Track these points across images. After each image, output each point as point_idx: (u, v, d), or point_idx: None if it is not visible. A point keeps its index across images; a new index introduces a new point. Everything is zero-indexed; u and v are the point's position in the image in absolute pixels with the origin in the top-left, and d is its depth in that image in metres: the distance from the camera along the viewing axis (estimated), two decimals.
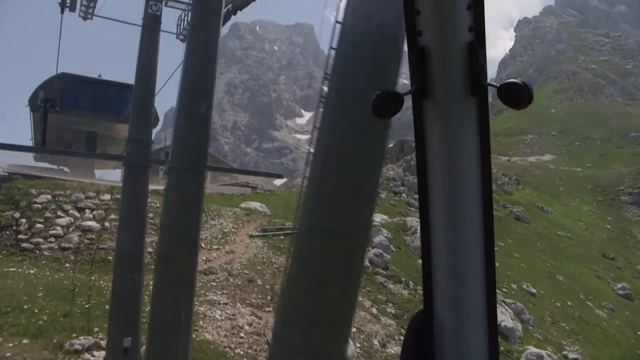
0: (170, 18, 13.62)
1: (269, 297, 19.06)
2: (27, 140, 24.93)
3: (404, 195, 51.22)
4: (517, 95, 1.54)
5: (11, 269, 15.97)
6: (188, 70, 8.99)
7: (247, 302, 18.19)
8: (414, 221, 36.54)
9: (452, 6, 1.56)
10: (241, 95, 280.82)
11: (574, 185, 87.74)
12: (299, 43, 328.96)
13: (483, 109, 1.69)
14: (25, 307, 13.55)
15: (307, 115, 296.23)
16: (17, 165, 22.92)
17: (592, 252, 58.36)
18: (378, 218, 36.19)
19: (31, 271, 16.21)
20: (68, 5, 13.14)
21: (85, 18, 13.65)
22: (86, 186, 21.35)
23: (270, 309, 18.31)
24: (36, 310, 13.56)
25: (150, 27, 12.12)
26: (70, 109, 22.88)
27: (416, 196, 26.82)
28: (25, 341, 11.75)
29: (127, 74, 11.98)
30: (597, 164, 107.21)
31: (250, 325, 16.64)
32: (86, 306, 14.22)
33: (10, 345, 11.44)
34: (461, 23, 1.58)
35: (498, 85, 1.57)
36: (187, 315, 9.18)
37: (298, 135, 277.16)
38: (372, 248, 28.43)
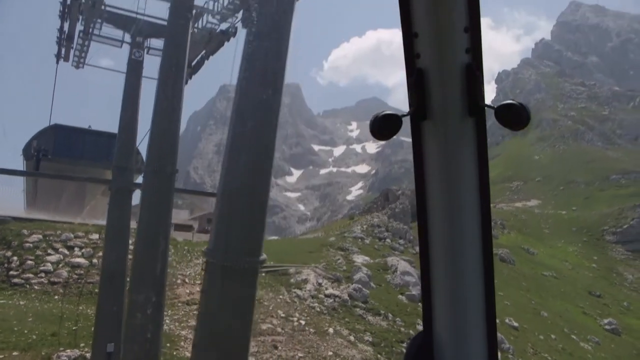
0: (154, 65, 15.71)
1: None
2: (20, 190, 26.76)
3: (388, 240, 52.58)
4: (514, 116, 1.58)
5: (1, 301, 17.18)
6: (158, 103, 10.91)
7: None
8: (394, 260, 37.90)
9: (450, 28, 1.59)
10: None
11: (559, 228, 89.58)
12: (286, 103, 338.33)
13: (481, 130, 1.71)
14: (15, 329, 14.78)
15: (297, 174, 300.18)
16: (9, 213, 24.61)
17: (578, 290, 59.37)
18: (360, 259, 37.60)
19: (21, 302, 17.44)
20: (63, 56, 15.25)
21: (77, 67, 15.75)
22: (76, 227, 22.87)
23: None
24: (26, 331, 14.78)
25: (133, 71, 14.21)
26: (62, 158, 24.81)
27: (400, 240, 29.62)
28: (15, 353, 12.96)
29: (116, 119, 13.82)
30: (582, 206, 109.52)
31: None
32: (73, 328, 15.44)
33: (1, 357, 12.64)
34: (458, 45, 1.61)
35: (496, 106, 1.61)
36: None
37: (288, 194, 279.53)
38: (352, 284, 29.72)
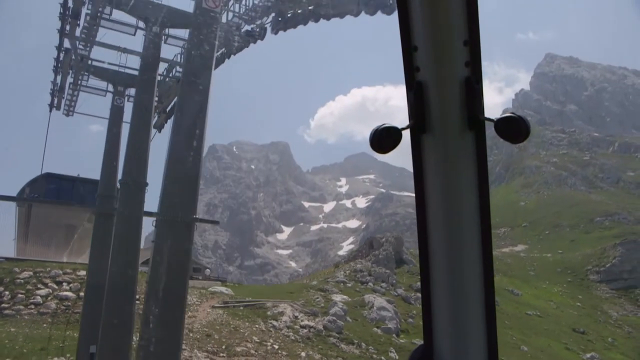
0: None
1: (223, 347, 22.07)
2: (10, 238, 28.99)
3: (370, 284, 54.23)
4: (514, 129, 1.61)
5: None
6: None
7: (204, 349, 21.24)
8: (371, 297, 39.69)
9: (449, 42, 1.62)
10: (221, 215, 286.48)
11: (544, 270, 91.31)
12: (276, 160, 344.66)
13: (481, 142, 1.73)
14: (8, 345, 16.63)
15: (288, 230, 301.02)
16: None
17: (562, 328, 60.47)
18: (339, 298, 39.32)
19: (12, 329, 19.29)
20: (55, 105, 18.01)
21: (67, 114, 18.49)
22: (64, 265, 24.88)
23: (224, 355, 21.26)
24: (17, 347, 16.66)
25: (116, 115, 16.97)
26: (52, 203, 27.07)
27: (383, 284, 33.07)
28: None
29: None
30: (567, 249, 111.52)
31: None
32: (60, 345, 17.32)
33: None
34: (458, 58, 1.64)
35: (495, 119, 1.64)
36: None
37: (280, 251, 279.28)
38: (327, 316, 31.45)
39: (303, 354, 24.51)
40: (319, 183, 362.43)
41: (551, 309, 70.81)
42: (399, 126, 1.71)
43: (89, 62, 16.53)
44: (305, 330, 28.39)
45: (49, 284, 22.92)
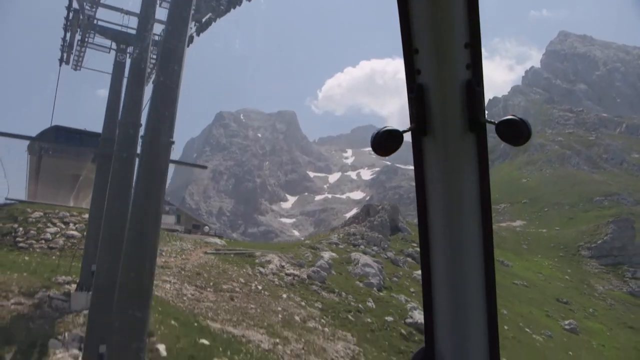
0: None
1: (211, 284, 24.84)
2: (22, 183, 31.89)
3: (362, 246, 56.85)
4: (515, 131, 1.62)
5: (10, 257, 21.78)
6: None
7: (193, 284, 23.99)
8: (357, 255, 42.33)
9: (450, 44, 1.63)
10: (226, 182, 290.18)
11: (537, 244, 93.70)
12: (282, 130, 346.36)
13: (482, 145, 1.74)
14: (23, 265, 19.34)
15: (292, 200, 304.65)
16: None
17: (546, 298, 62.90)
18: (327, 255, 41.93)
19: (26, 258, 22.05)
20: (65, 60, 20.27)
21: (75, 69, 20.77)
22: (71, 208, 27.60)
23: (211, 290, 24.03)
24: (30, 268, 19.38)
25: (117, 71, 19.22)
26: (61, 154, 29.67)
27: (374, 247, 35.93)
28: (24, 274, 17.54)
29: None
30: (565, 226, 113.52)
31: (192, 294, 22.41)
32: (67, 271, 20.06)
33: (15, 275, 17.22)
34: (459, 61, 1.65)
35: (496, 122, 1.65)
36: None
37: (284, 219, 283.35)
38: (312, 267, 34.13)
39: (284, 295, 27.24)
40: (324, 154, 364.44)
41: (539, 280, 73.02)
42: (400, 129, 1.72)
43: (95, 21, 18.72)
44: (289, 278, 31.08)
45: (57, 224, 25.57)
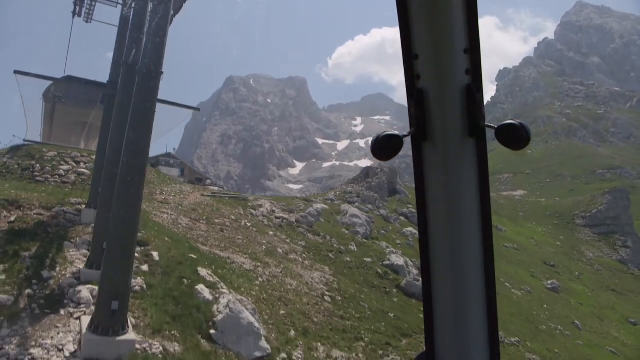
0: None
1: (205, 217, 28.16)
2: (38, 127, 35.32)
3: (356, 204, 59.94)
4: (514, 136, 1.65)
5: (30, 186, 25.13)
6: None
7: (188, 217, 27.32)
8: (347, 206, 45.47)
9: (450, 50, 1.66)
10: (235, 146, 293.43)
11: (533, 212, 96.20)
12: (292, 96, 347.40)
13: (482, 149, 1.77)
14: (42, 190, 22.68)
15: (300, 166, 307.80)
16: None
17: (534, 260, 65.52)
18: (319, 205, 45.00)
19: (42, 188, 25.37)
20: (77, 13, 23.09)
21: (86, 21, 23.59)
22: (82, 150, 30.87)
23: (204, 222, 27.36)
24: (44, 195, 22.71)
25: (124, 24, 22.01)
26: (72, 102, 32.76)
27: (369, 205, 39.55)
28: (44, 194, 20.87)
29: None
30: (565, 197, 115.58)
31: (186, 224, 25.77)
32: (80, 195, 23.40)
33: (36, 194, 20.53)
34: (458, 66, 1.68)
35: (496, 126, 1.67)
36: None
37: (291, 185, 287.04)
38: (301, 213, 37.32)
39: (271, 232, 30.54)
40: (334, 121, 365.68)
41: (530, 245, 75.41)
42: (400, 134, 1.71)
43: None
44: (278, 220, 34.33)
45: (70, 162, 28.76)
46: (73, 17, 23.40)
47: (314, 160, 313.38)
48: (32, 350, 12.05)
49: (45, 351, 12.22)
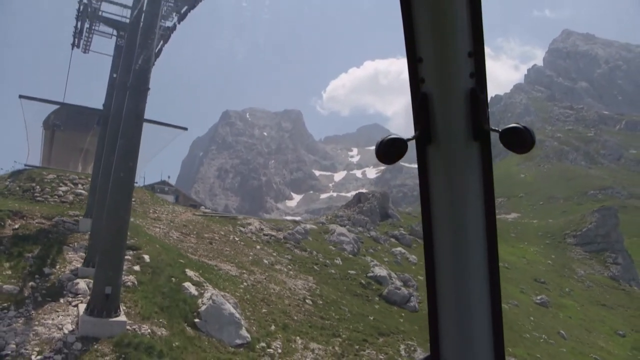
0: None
1: (194, 232, 30.13)
2: (38, 152, 37.97)
3: (347, 226, 61.77)
4: (519, 139, 1.65)
5: (31, 205, 27.16)
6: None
7: (179, 231, 29.31)
8: (334, 226, 47.35)
9: (454, 53, 1.67)
10: (232, 180, 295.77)
11: (526, 233, 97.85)
12: (288, 128, 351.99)
13: (486, 153, 1.78)
14: (37, 208, 24.79)
15: (297, 198, 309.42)
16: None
17: (525, 278, 66.56)
18: (308, 226, 46.80)
19: (44, 208, 27.41)
20: (76, 44, 25.63)
21: (84, 52, 26.10)
22: (79, 173, 33.07)
23: (194, 236, 29.32)
24: (45, 209, 24.76)
25: (117, 52, 24.50)
26: (70, 129, 35.17)
27: (359, 228, 41.66)
28: (45, 207, 22.97)
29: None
30: (557, 218, 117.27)
31: (177, 237, 27.74)
32: (80, 207, 25.47)
33: (37, 207, 22.59)
34: (462, 70, 1.69)
35: (500, 130, 1.67)
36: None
37: (288, 217, 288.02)
38: (289, 231, 39.16)
39: (258, 247, 32.44)
40: (330, 152, 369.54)
41: (521, 264, 76.43)
42: (405, 137, 1.72)
43: (100, 12, 24.07)
44: (266, 237, 36.20)
45: (68, 184, 30.81)
46: (72, 49, 25.97)
47: (311, 191, 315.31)
48: (35, 328, 13.95)
49: (47, 329, 14.10)
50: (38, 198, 28.88)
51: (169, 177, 63.16)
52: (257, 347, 18.56)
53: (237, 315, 18.87)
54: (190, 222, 32.77)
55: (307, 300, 25.63)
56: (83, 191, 30.66)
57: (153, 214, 32.24)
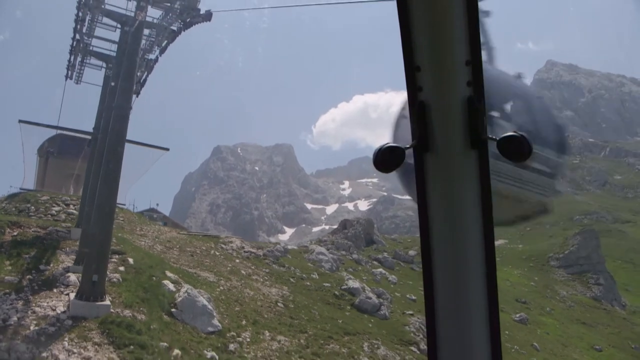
0: None
1: (178, 246, 32.95)
2: (32, 176, 41.16)
3: (331, 250, 64.17)
4: (516, 148, 1.67)
5: None
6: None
7: (163, 245, 32.13)
8: (314, 246, 50.01)
9: (451, 62, 1.69)
10: (224, 215, 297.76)
11: (510, 257, 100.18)
12: (279, 162, 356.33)
13: (483, 161, 1.80)
14: (33, 220, 27.66)
15: (290, 231, 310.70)
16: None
17: (507, 298, 68.13)
18: (289, 246, 49.46)
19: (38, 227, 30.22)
20: (69, 76, 29.03)
21: (76, 83, 29.50)
22: (71, 195, 36.11)
23: (177, 250, 32.15)
24: (40, 221, 27.59)
25: (106, 83, 27.85)
26: (64, 156, 38.30)
27: (342, 251, 44.50)
28: (40, 221, 25.82)
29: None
30: (543, 243, 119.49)
31: (160, 249, 30.58)
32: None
33: (33, 219, 25.50)
34: (460, 78, 1.71)
35: (497, 138, 1.69)
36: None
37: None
38: (269, 249, 41.87)
39: (237, 261, 35.20)
40: (322, 186, 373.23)
41: (504, 286, 78.01)
42: (402, 146, 1.74)
43: (91, 48, 27.57)
44: (246, 253, 38.89)
45: (60, 204, 33.62)
46: (65, 80, 29.37)
47: (304, 225, 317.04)
48: (33, 308, 16.75)
49: (42, 309, 16.91)
50: (33, 217, 31.69)
51: (157, 204, 65.84)
52: (228, 335, 21.24)
53: (210, 307, 21.62)
54: (174, 239, 35.59)
55: (279, 304, 28.28)
56: (74, 211, 33.53)
57: (140, 232, 34.99)
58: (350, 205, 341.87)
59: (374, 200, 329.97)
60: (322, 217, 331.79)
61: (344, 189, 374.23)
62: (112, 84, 23.83)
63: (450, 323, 1.98)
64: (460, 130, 1.79)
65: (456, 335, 1.99)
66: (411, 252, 70.01)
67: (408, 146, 1.79)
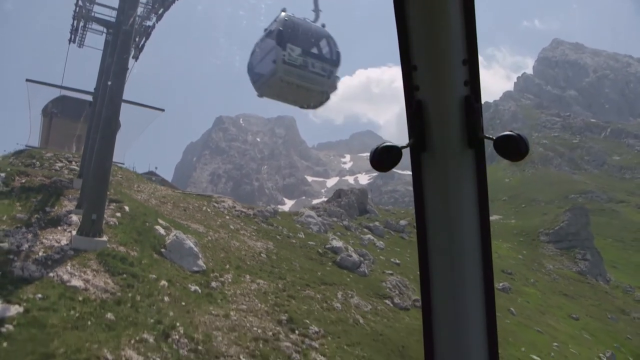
0: None
1: (172, 202, 35.81)
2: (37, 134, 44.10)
3: (324, 217, 66.97)
4: (513, 147, 1.72)
5: None
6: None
7: (158, 200, 34.96)
8: (305, 210, 52.86)
9: (448, 61, 1.71)
10: (224, 185, 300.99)
11: (502, 232, 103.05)
12: (281, 134, 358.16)
13: (480, 160, 1.86)
14: (39, 171, 30.50)
15: (290, 203, 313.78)
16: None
17: (493, 270, 72.10)
18: (280, 209, 52.32)
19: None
20: (72, 40, 31.38)
21: (79, 46, 31.85)
22: (73, 153, 38.95)
23: (170, 204, 34.98)
24: (45, 172, 30.40)
25: (107, 48, 30.18)
26: (67, 118, 40.91)
27: (334, 218, 47.03)
28: (45, 171, 28.69)
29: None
30: (535, 219, 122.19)
31: (155, 203, 33.40)
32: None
33: (39, 171, 28.39)
34: (457, 77, 1.74)
35: (494, 137, 1.73)
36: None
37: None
38: (259, 209, 44.72)
39: (227, 217, 38.07)
40: (323, 159, 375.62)
41: (492, 257, 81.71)
42: (399, 145, 1.76)
43: (93, 13, 29.92)
44: (237, 212, 41.75)
45: (64, 161, 36.37)
46: (69, 44, 31.74)
47: (304, 197, 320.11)
48: (41, 240, 19.60)
49: (49, 241, 19.78)
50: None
51: (156, 168, 68.58)
52: (211, 275, 24.13)
53: (196, 250, 24.50)
54: (169, 195, 38.42)
55: (262, 255, 31.18)
56: (76, 167, 36.25)
57: (137, 188, 37.71)
58: (350, 179, 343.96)
59: (375, 174, 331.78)
60: (322, 190, 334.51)
61: (345, 163, 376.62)
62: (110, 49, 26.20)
63: (447, 322, 2.03)
64: (457, 129, 1.83)
65: (453, 334, 2.05)
66: (402, 222, 71.76)
67: (405, 145, 1.84)
